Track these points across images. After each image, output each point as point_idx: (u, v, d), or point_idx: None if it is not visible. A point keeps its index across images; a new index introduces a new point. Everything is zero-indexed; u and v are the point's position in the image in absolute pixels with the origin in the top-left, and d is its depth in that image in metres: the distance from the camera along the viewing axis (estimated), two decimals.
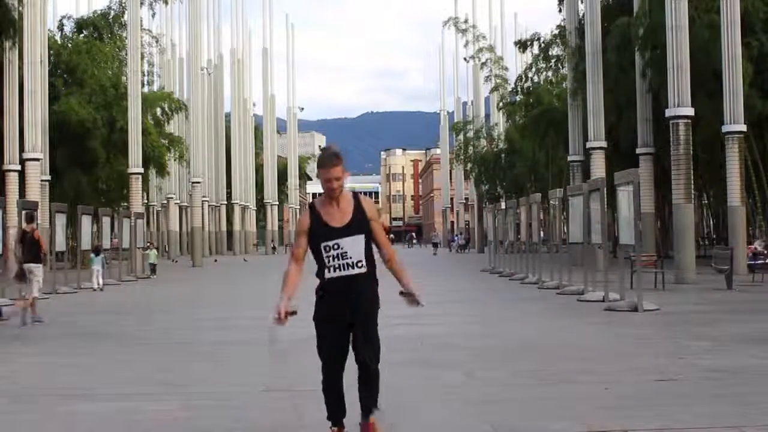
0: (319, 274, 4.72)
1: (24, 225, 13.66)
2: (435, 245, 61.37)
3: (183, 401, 6.59)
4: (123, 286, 23.37)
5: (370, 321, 4.75)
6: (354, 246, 4.63)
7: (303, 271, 4.77)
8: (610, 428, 5.44)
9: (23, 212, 15.04)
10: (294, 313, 4.61)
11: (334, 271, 4.64)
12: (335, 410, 4.87)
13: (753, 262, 21.08)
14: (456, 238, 69.01)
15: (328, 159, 4.64)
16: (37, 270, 13.06)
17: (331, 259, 4.64)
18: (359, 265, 4.65)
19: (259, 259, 49.04)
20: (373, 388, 4.79)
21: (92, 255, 21.76)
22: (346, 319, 4.68)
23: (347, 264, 4.63)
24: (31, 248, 13.04)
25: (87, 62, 35.83)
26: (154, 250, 29.37)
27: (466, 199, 72.61)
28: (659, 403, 6.15)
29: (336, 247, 4.63)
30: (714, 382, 7.15)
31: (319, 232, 4.66)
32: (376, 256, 4.79)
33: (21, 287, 13.51)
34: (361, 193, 5.21)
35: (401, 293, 4.81)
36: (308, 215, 4.75)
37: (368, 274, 4.69)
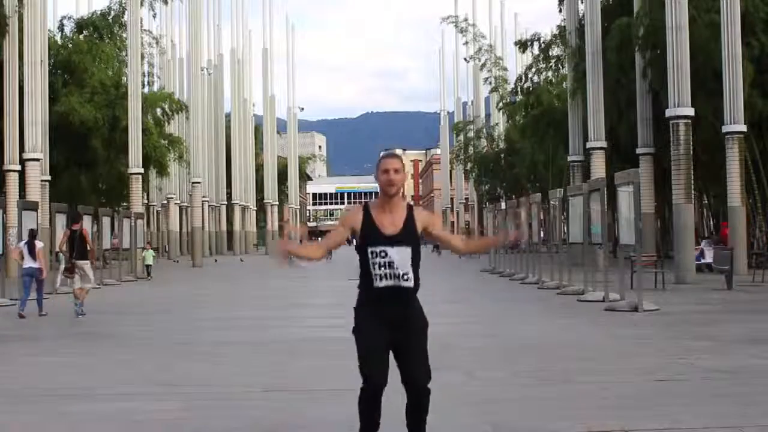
0: (364, 283, 4.47)
1: (72, 225, 14.94)
2: (436, 247, 59.82)
3: (183, 401, 6.59)
4: (123, 286, 23.38)
5: (422, 336, 4.50)
6: (401, 257, 4.40)
7: (325, 256, 4.57)
8: (610, 428, 5.44)
9: (68, 214, 17.45)
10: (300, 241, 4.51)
11: (380, 280, 4.39)
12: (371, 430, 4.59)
13: (698, 262, 22.26)
14: None
15: (388, 154, 4.54)
16: (86, 266, 14.26)
17: (377, 267, 4.39)
18: (405, 278, 4.41)
19: (259, 260, 49.03)
20: (424, 413, 4.54)
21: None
22: (393, 326, 4.40)
23: (395, 275, 4.39)
24: (79, 246, 14.26)
25: (88, 61, 35.86)
26: (151, 251, 29.18)
27: (466, 199, 72.64)
28: (659, 403, 6.15)
29: (383, 254, 4.39)
30: (714, 382, 7.15)
31: (368, 235, 4.43)
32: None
33: (70, 281, 15.05)
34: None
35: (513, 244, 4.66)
36: (361, 212, 4.52)
37: (414, 291, 4.47)
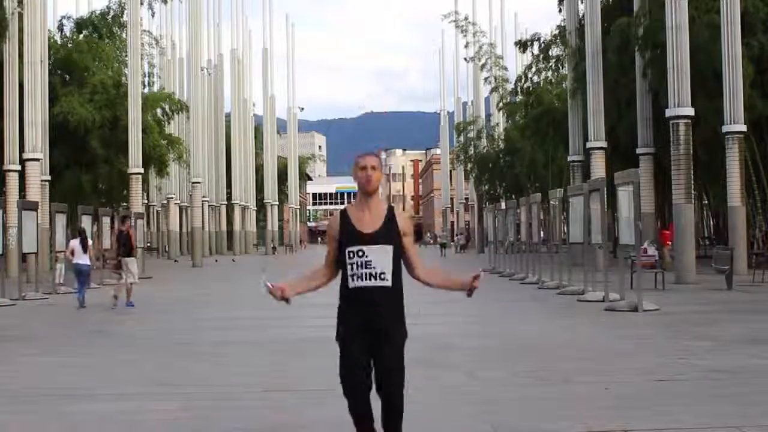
0: (342, 285, 4.39)
1: (119, 225, 16.41)
2: (443, 246, 56.05)
3: (183, 401, 6.59)
4: (114, 288, 23.30)
5: (393, 345, 4.35)
6: (379, 256, 4.31)
7: (330, 277, 4.48)
8: (610, 428, 5.44)
9: (115, 214, 19.61)
10: (287, 301, 4.37)
11: (355, 280, 4.31)
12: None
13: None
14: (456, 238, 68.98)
15: (365, 154, 4.49)
16: (131, 263, 15.62)
17: (354, 267, 4.31)
18: (382, 277, 4.30)
19: (259, 259, 49.01)
20: (397, 426, 4.43)
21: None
22: (368, 332, 4.31)
23: (370, 274, 4.30)
24: (125, 244, 15.65)
25: (88, 61, 35.86)
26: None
27: (466, 199, 72.56)
28: (659, 403, 6.15)
29: (360, 254, 4.30)
30: (714, 382, 7.15)
31: (346, 236, 4.36)
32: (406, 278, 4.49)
33: (117, 276, 16.64)
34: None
35: (469, 294, 4.55)
36: (338, 217, 4.46)
37: (393, 290, 4.34)
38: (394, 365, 4.35)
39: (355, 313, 4.34)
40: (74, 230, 27.37)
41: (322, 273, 4.53)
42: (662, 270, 19.21)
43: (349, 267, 4.33)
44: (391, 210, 4.49)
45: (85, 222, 23.33)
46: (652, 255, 20.32)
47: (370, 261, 4.31)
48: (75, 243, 16.14)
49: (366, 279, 4.31)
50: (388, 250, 4.34)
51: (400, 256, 4.41)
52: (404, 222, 4.48)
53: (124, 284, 15.62)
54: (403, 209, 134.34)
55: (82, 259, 15.87)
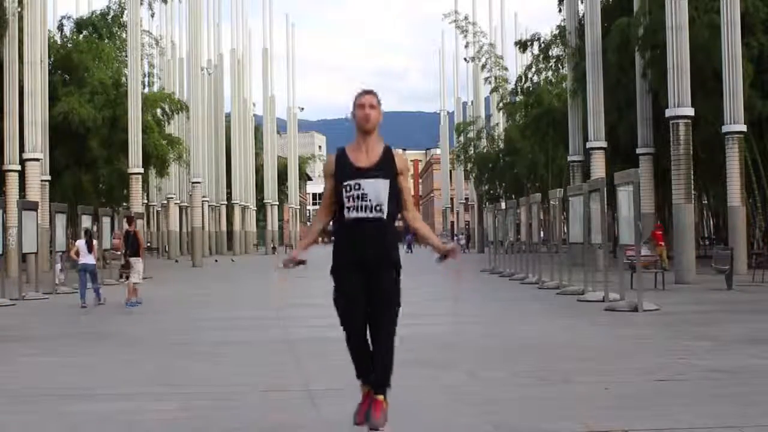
0: (337, 220, 4.41)
1: (127, 226, 16.85)
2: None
3: (183, 401, 6.58)
4: (123, 286, 23.30)
5: (388, 280, 4.42)
6: (375, 189, 4.34)
7: (329, 217, 4.50)
8: (610, 428, 5.43)
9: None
10: (303, 262, 4.36)
11: (351, 212, 4.34)
12: (363, 369, 4.62)
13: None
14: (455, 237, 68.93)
15: (364, 90, 4.49)
16: (137, 263, 15.96)
17: (350, 199, 4.35)
18: (378, 209, 4.34)
19: (257, 259, 49.02)
20: (387, 363, 4.51)
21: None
22: (364, 265, 4.35)
23: (365, 206, 4.33)
24: (132, 245, 16.10)
25: (88, 61, 35.86)
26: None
27: (466, 199, 72.54)
28: (659, 403, 6.15)
29: (357, 187, 4.34)
30: (714, 382, 7.15)
31: (343, 172, 4.39)
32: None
33: (125, 276, 17.08)
34: None
35: (438, 259, 4.48)
36: (335, 155, 4.49)
37: (389, 223, 4.38)
38: (391, 298, 4.45)
39: (351, 245, 4.39)
40: (74, 231, 27.44)
41: (319, 218, 4.55)
42: (662, 270, 19.21)
43: (345, 200, 4.38)
44: (388, 148, 4.54)
45: (86, 222, 23.38)
46: (649, 255, 20.32)
47: (366, 194, 4.36)
48: (81, 243, 16.40)
49: (362, 211, 4.35)
50: (385, 184, 4.39)
51: (396, 193, 4.44)
52: (401, 161, 4.53)
53: (131, 284, 15.91)
54: None
55: (87, 259, 16.09)
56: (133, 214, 20.31)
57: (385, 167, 4.41)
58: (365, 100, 4.43)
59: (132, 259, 15.99)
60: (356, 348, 4.56)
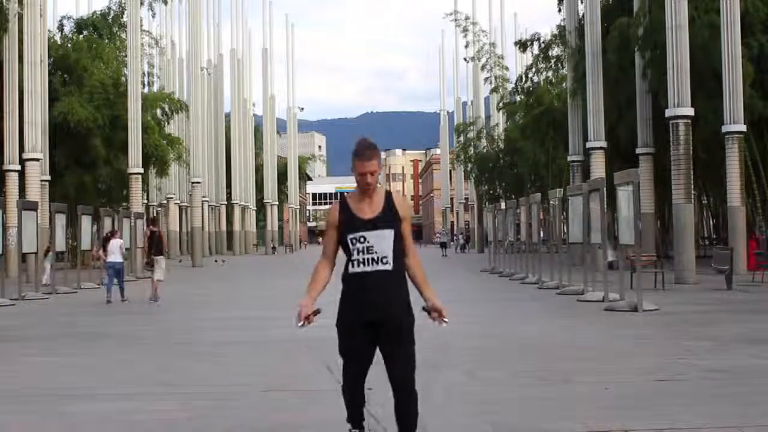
0: (344, 271, 4.41)
1: (151, 226, 18.17)
2: (443, 245, 52.62)
3: (183, 401, 6.58)
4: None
5: (402, 332, 4.38)
6: (381, 240, 4.34)
7: (332, 268, 4.50)
8: (610, 428, 5.44)
9: (145, 216, 20.85)
10: (318, 311, 4.36)
11: (357, 265, 4.34)
12: (354, 415, 4.59)
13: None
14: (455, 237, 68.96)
15: (365, 151, 4.37)
16: (161, 261, 17.02)
17: (356, 252, 4.34)
18: (384, 261, 4.32)
19: (257, 259, 49.01)
20: (411, 412, 4.40)
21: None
22: (370, 320, 4.33)
23: (372, 259, 4.32)
24: (157, 244, 17.14)
25: (88, 61, 35.85)
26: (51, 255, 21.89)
27: (466, 199, 72.58)
28: (659, 403, 6.15)
29: (362, 240, 4.33)
30: (714, 382, 7.15)
31: (347, 224, 4.38)
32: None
33: (149, 273, 17.91)
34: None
35: (424, 308, 4.46)
36: (338, 206, 4.48)
37: (396, 274, 4.36)
38: (407, 350, 4.38)
39: (358, 297, 4.36)
40: (74, 231, 27.45)
41: (324, 267, 4.52)
42: (662, 270, 19.19)
43: (352, 253, 4.37)
44: (389, 195, 4.52)
45: (85, 222, 23.39)
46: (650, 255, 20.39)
47: (372, 246, 4.34)
48: (115, 242, 17.32)
49: (369, 264, 4.34)
50: (389, 234, 4.37)
51: (400, 241, 4.43)
52: (403, 207, 4.52)
53: (155, 282, 16.93)
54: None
55: (117, 257, 16.98)
56: (156, 216, 22.05)
57: (389, 217, 4.42)
58: (366, 168, 4.38)
59: (156, 258, 17.02)
60: (352, 392, 4.55)
